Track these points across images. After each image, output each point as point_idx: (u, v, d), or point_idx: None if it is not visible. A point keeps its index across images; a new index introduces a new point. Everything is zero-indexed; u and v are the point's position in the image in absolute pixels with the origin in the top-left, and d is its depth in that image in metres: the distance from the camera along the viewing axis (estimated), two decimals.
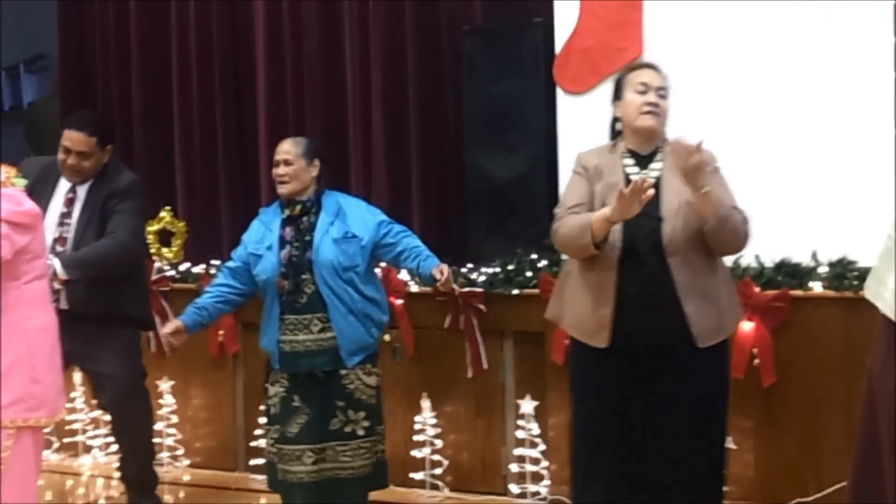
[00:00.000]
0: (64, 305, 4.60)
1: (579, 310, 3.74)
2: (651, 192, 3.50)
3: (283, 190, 4.57)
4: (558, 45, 5.31)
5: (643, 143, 3.75)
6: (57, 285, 4.58)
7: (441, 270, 4.44)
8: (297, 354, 4.51)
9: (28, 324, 3.70)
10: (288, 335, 4.51)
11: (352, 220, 4.55)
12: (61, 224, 4.83)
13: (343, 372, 4.50)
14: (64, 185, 4.89)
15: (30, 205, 3.77)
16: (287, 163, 4.57)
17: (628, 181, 3.64)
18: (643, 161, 3.74)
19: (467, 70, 5.69)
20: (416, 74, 5.91)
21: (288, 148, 4.61)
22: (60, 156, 4.85)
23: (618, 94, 3.82)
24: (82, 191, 4.88)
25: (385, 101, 5.95)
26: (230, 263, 4.69)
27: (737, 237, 3.65)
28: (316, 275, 4.46)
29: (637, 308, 3.63)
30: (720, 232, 3.58)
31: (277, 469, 4.59)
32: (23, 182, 3.85)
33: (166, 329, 4.58)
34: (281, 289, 4.50)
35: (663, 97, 3.74)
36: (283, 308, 4.50)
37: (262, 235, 4.61)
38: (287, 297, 4.49)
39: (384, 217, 4.64)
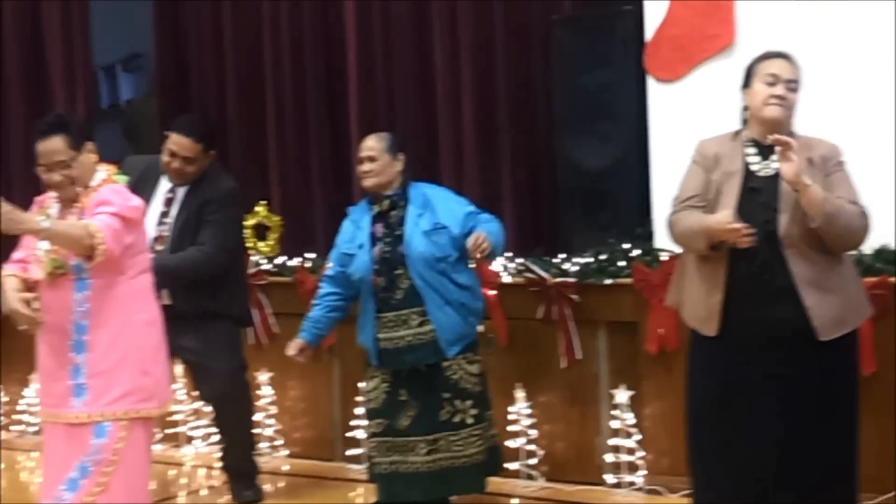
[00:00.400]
0: (166, 301, 4.72)
1: (693, 297, 3.73)
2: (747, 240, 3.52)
3: (368, 183, 4.64)
4: (649, 33, 5.27)
5: (767, 134, 3.66)
6: None
7: (473, 237, 4.43)
8: (399, 351, 4.55)
9: (135, 317, 3.80)
10: (386, 332, 4.56)
11: (440, 210, 4.59)
12: (160, 223, 4.96)
13: (445, 363, 4.55)
14: (165, 185, 5.01)
15: (136, 201, 3.86)
16: (371, 159, 4.64)
17: (748, 170, 3.65)
18: (765, 152, 3.69)
19: (557, 60, 5.68)
20: (505, 65, 5.92)
21: (372, 144, 4.68)
22: (165, 158, 4.96)
23: (746, 83, 3.77)
24: (181, 192, 4.99)
25: (475, 93, 5.97)
26: (329, 272, 4.77)
27: (849, 234, 3.60)
28: (410, 269, 4.51)
29: (749, 297, 3.60)
30: (828, 228, 3.52)
31: (376, 462, 4.66)
32: (124, 179, 3.94)
33: (291, 350, 4.76)
34: (376, 286, 4.54)
35: (793, 90, 3.69)
36: (379, 305, 4.55)
37: (353, 234, 4.67)
38: (382, 293, 4.54)
39: (471, 208, 4.67)
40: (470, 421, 4.60)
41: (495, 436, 4.76)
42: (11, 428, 6.83)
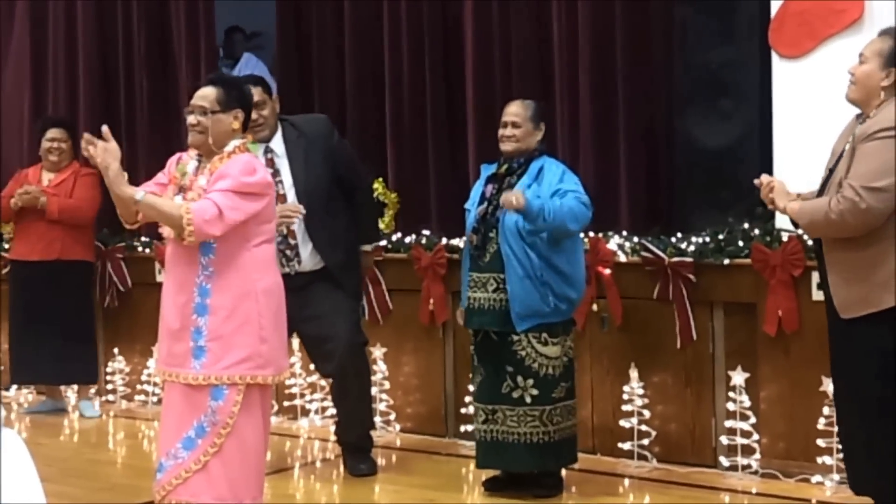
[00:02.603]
0: (298, 268, 4.86)
1: None
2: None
3: (507, 148, 4.70)
4: (773, 9, 5.15)
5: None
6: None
7: (512, 194, 4.43)
8: (472, 311, 4.64)
9: (256, 285, 3.86)
10: (471, 291, 4.67)
11: (545, 183, 4.59)
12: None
13: (515, 337, 4.55)
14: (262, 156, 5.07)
15: (261, 173, 3.91)
16: (515, 125, 4.69)
17: None
18: None
19: (678, 36, 5.60)
20: (624, 42, 5.84)
21: (517, 110, 4.73)
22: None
23: (892, 61, 3.71)
24: (278, 148, 5.05)
25: (593, 70, 5.91)
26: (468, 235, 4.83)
27: (821, 229, 3.73)
28: (500, 234, 4.55)
29: None
30: (808, 231, 3.89)
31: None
32: (256, 148, 4.00)
33: (460, 320, 4.84)
34: (471, 243, 4.62)
35: (862, 61, 3.69)
36: (471, 264, 4.66)
37: (476, 191, 4.76)
38: (475, 252, 4.63)
39: (568, 185, 4.60)
40: (528, 400, 4.59)
41: (571, 427, 4.72)
42: (135, 398, 7.02)
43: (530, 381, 4.59)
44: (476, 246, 4.67)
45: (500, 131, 4.74)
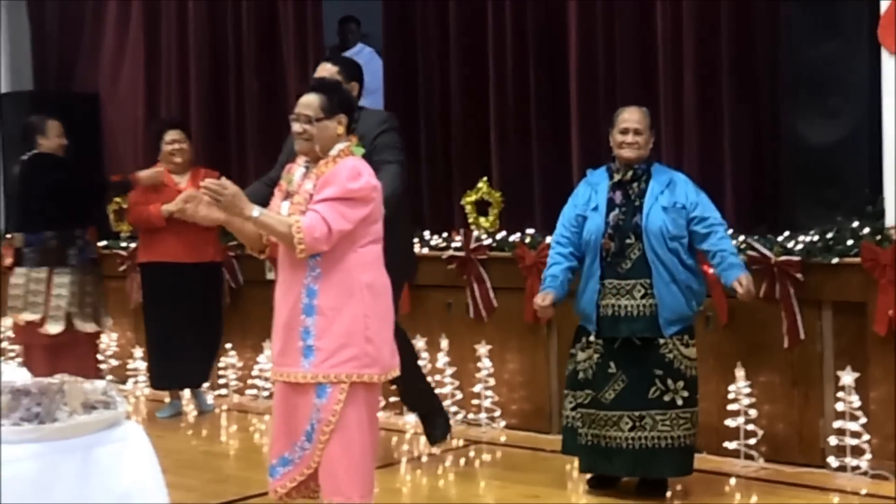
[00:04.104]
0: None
1: None
2: None
3: (630, 155, 4.72)
4: (882, 4, 5.07)
5: None
6: None
7: (741, 281, 4.52)
8: (616, 319, 4.61)
9: (363, 285, 3.93)
10: (609, 299, 4.64)
11: (679, 192, 4.67)
12: None
13: (661, 341, 4.57)
14: None
15: (366, 177, 3.96)
16: (637, 132, 4.72)
17: None
18: None
19: (784, 31, 5.54)
20: (729, 39, 5.80)
21: (640, 118, 4.77)
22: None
23: None
24: None
25: (697, 67, 5.88)
26: (561, 230, 4.86)
27: None
28: (644, 241, 4.58)
29: None
30: None
31: (579, 433, 4.72)
32: (360, 151, 4.07)
33: (539, 300, 4.81)
34: (606, 250, 4.64)
35: None
36: (605, 271, 4.64)
37: (589, 197, 4.79)
38: (610, 259, 4.62)
39: (705, 200, 4.68)
40: (680, 402, 4.60)
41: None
42: (246, 392, 7.19)
43: (681, 384, 4.61)
44: (613, 252, 4.66)
45: (621, 138, 4.74)
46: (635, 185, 4.70)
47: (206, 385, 7.07)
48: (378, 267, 4.02)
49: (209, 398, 7.03)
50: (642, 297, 4.60)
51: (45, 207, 6.43)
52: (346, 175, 3.89)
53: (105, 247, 7.55)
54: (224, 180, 3.83)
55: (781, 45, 5.57)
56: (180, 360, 6.68)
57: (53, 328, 6.44)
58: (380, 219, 4.06)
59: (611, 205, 4.70)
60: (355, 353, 3.89)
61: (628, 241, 4.63)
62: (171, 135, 6.68)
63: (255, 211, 3.83)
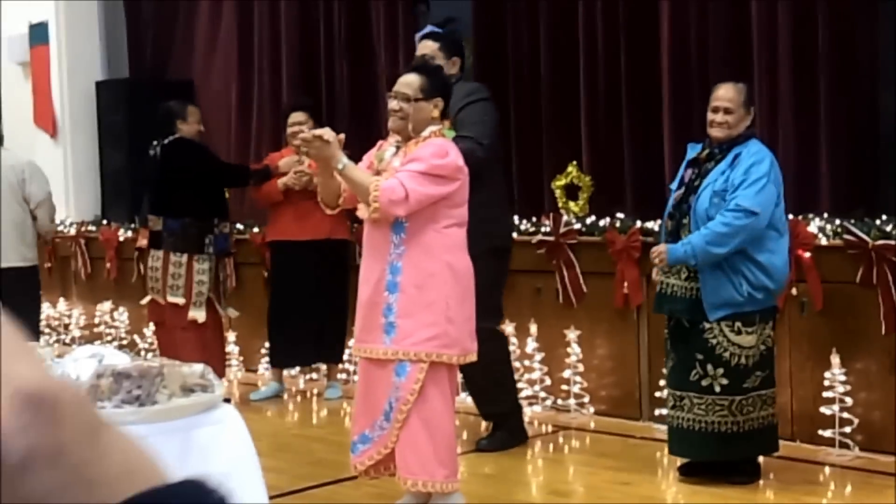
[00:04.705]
0: None
1: None
2: None
3: (719, 134, 4.59)
4: None
5: None
6: None
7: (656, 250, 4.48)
8: (664, 297, 4.64)
9: (445, 266, 3.97)
10: (663, 276, 4.65)
11: (735, 174, 4.50)
12: None
13: (706, 325, 4.51)
14: None
15: (453, 157, 4.00)
16: (727, 111, 4.57)
17: None
18: None
19: (884, 11, 5.42)
20: (826, 18, 5.68)
21: (731, 95, 4.60)
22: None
23: None
24: None
25: (793, 47, 5.77)
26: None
27: None
28: (692, 221, 4.51)
29: None
30: None
31: None
32: (451, 134, 4.11)
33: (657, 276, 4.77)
34: (666, 228, 4.62)
35: None
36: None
37: (680, 173, 4.74)
38: (668, 237, 4.60)
39: (749, 182, 4.46)
40: (717, 389, 4.53)
41: (766, 416, 4.64)
42: (337, 376, 7.26)
43: (720, 371, 4.55)
44: (670, 231, 4.66)
45: (711, 116, 4.61)
46: (708, 164, 4.59)
47: (341, 375, 7.03)
48: (462, 249, 4.05)
49: (338, 388, 6.91)
50: (686, 279, 4.56)
51: (186, 194, 6.43)
52: (433, 151, 3.94)
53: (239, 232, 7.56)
54: (323, 130, 3.92)
55: (881, 24, 5.45)
56: (295, 340, 6.71)
57: (199, 315, 6.47)
58: (465, 202, 4.07)
59: (681, 183, 4.66)
60: (436, 332, 3.93)
61: (684, 220, 4.57)
62: (294, 116, 6.67)
63: (342, 162, 3.89)
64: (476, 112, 5.06)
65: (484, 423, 5.69)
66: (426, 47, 5.19)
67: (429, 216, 3.93)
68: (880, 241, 5.01)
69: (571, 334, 6.09)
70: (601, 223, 6.13)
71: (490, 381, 5.33)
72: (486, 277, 5.15)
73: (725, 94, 4.62)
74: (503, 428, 5.46)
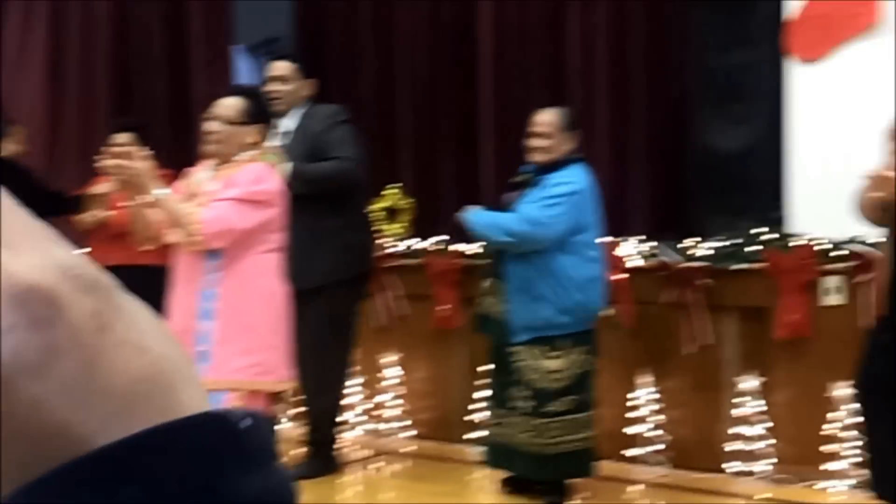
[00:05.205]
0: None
1: None
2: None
3: (536, 158, 4.58)
4: (788, 13, 5.12)
5: None
6: None
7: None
8: (483, 318, 4.68)
9: (261, 293, 3.86)
10: (485, 297, 4.69)
11: (542, 194, 4.52)
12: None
13: (516, 347, 4.50)
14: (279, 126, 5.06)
15: (271, 183, 3.90)
16: (544, 135, 4.56)
17: None
18: None
19: (694, 39, 5.57)
20: (640, 46, 5.83)
21: (547, 119, 4.60)
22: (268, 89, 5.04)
23: None
24: (292, 123, 5.06)
25: (609, 72, 5.89)
26: None
27: None
28: None
29: None
30: None
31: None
32: (271, 159, 4.01)
33: None
34: (492, 250, 4.63)
35: None
36: (492, 270, 4.65)
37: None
38: (493, 259, 4.63)
39: (536, 197, 4.50)
40: (526, 411, 4.53)
41: (578, 440, 4.60)
42: None
43: (528, 393, 4.54)
44: (493, 253, 4.66)
45: (530, 141, 4.63)
46: (525, 188, 4.61)
47: None
48: (278, 275, 3.95)
49: None
50: (501, 302, 4.57)
51: None
52: (251, 178, 3.84)
53: None
54: (133, 153, 3.75)
55: (691, 53, 5.60)
56: None
57: None
58: (283, 228, 3.99)
59: (502, 206, 4.68)
60: (254, 360, 3.81)
61: None
62: (116, 139, 6.41)
63: (158, 191, 3.74)
64: (342, 133, 5.03)
65: (300, 450, 5.56)
66: (281, 68, 5.09)
67: (245, 242, 3.83)
68: (689, 263, 5.12)
69: (390, 357, 6.02)
70: (421, 245, 6.09)
71: (326, 407, 5.22)
72: (350, 304, 5.10)
73: (543, 118, 4.64)
74: (319, 455, 5.34)
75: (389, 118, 6.69)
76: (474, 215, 4.58)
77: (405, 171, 6.56)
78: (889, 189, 3.39)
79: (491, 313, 4.64)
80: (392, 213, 6.34)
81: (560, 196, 4.46)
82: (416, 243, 6.12)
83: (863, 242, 4.54)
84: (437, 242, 6.04)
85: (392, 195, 6.34)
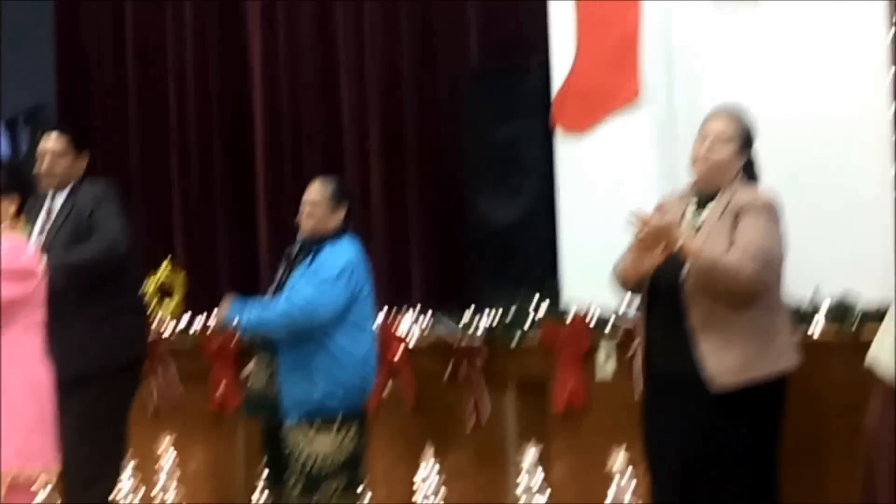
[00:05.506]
0: None
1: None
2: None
3: (305, 228, 4.57)
4: (556, 86, 5.23)
5: (703, 188, 3.82)
6: None
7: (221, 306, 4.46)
8: (251, 399, 4.61)
9: (22, 375, 3.67)
10: (255, 377, 4.59)
11: (312, 269, 4.47)
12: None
13: (288, 425, 4.44)
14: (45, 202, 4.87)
15: (22, 258, 3.74)
16: (312, 204, 4.55)
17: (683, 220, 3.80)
18: (702, 203, 3.82)
19: (466, 113, 5.63)
20: (413, 118, 5.86)
21: (315, 189, 4.61)
22: (38, 166, 4.87)
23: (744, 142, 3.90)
24: (59, 200, 4.86)
25: (383, 145, 5.90)
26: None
27: (725, 284, 3.59)
28: None
29: (658, 343, 3.79)
30: (703, 280, 3.60)
31: None
32: (24, 230, 3.87)
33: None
34: None
35: (717, 145, 3.79)
36: (266, 348, 4.51)
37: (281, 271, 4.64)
38: (262, 339, 4.50)
39: (311, 274, 4.46)
40: (295, 492, 4.45)
41: None
42: None
43: (299, 473, 4.44)
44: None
45: (300, 211, 4.61)
46: (297, 261, 4.55)
47: None
48: (40, 356, 3.76)
49: None
50: (271, 377, 4.49)
51: None
52: (7, 248, 3.67)
53: None
54: None
55: (464, 126, 5.65)
56: None
57: None
58: (41, 304, 3.80)
59: (276, 280, 4.60)
60: (16, 446, 3.61)
61: None
62: None
63: None
64: (109, 210, 4.80)
65: None
66: (54, 141, 4.85)
67: (3, 317, 3.62)
68: (467, 337, 5.13)
69: (164, 442, 5.80)
70: (196, 323, 5.92)
71: (97, 499, 4.94)
72: (122, 391, 4.84)
73: (312, 190, 4.63)
74: None
75: (162, 191, 6.50)
76: (245, 317, 4.41)
77: (179, 247, 6.37)
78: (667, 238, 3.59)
79: (260, 393, 4.53)
80: (165, 291, 6.15)
81: (331, 274, 4.43)
82: (191, 322, 5.95)
83: (630, 312, 4.65)
84: (213, 320, 5.88)
85: (165, 272, 6.15)
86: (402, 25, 5.93)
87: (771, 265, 3.64)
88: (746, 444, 3.68)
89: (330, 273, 4.41)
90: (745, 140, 3.88)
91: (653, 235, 3.60)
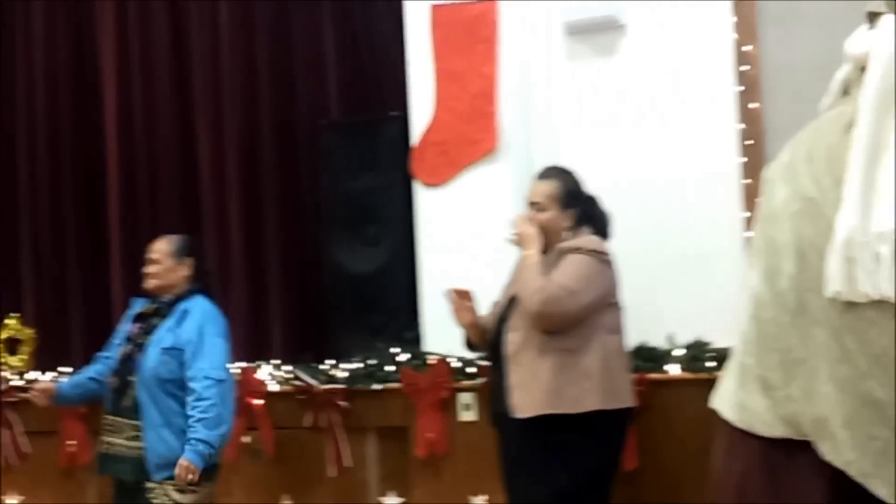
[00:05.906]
0: None
1: None
2: None
3: (149, 285, 4.49)
4: (415, 138, 5.31)
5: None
6: None
7: (180, 464, 4.18)
8: (106, 457, 4.37)
9: None
10: (106, 436, 4.38)
11: (184, 330, 4.36)
12: None
13: (150, 485, 4.28)
14: None
15: None
16: (155, 261, 4.48)
17: None
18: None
19: (325, 164, 5.65)
20: (273, 168, 5.85)
21: (158, 246, 4.54)
22: None
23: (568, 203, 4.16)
24: None
25: (242, 196, 5.87)
26: (103, 352, 4.60)
27: (530, 296, 3.89)
28: (138, 381, 4.31)
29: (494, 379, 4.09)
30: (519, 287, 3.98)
31: None
32: None
33: (37, 386, 4.57)
34: (110, 385, 4.38)
35: (543, 209, 4.09)
36: (110, 406, 4.40)
37: (122, 328, 4.51)
38: (113, 394, 4.37)
39: (208, 342, 4.35)
40: None
41: None
42: None
43: None
44: (115, 389, 4.40)
45: (145, 268, 4.53)
46: (154, 319, 4.43)
47: None
48: None
49: None
50: (130, 439, 4.32)
51: None
52: None
53: None
54: None
55: (323, 176, 5.67)
56: None
57: None
58: None
59: (127, 339, 4.46)
60: None
61: (131, 378, 4.34)
62: None
63: None
64: None
65: None
66: None
67: None
68: (327, 385, 5.11)
69: (12, 500, 5.58)
70: (44, 379, 5.71)
71: None
72: None
73: (154, 244, 4.55)
74: None
75: (10, 245, 6.31)
76: (202, 451, 4.19)
77: (28, 299, 6.18)
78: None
79: (114, 451, 4.39)
80: (12, 345, 5.95)
81: (217, 338, 4.38)
82: (40, 376, 5.76)
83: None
84: (63, 374, 5.71)
85: (12, 325, 5.96)
86: (262, 76, 5.94)
87: (562, 301, 3.85)
88: (558, 475, 3.84)
89: (216, 338, 4.36)
90: (570, 197, 4.12)
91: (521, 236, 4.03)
